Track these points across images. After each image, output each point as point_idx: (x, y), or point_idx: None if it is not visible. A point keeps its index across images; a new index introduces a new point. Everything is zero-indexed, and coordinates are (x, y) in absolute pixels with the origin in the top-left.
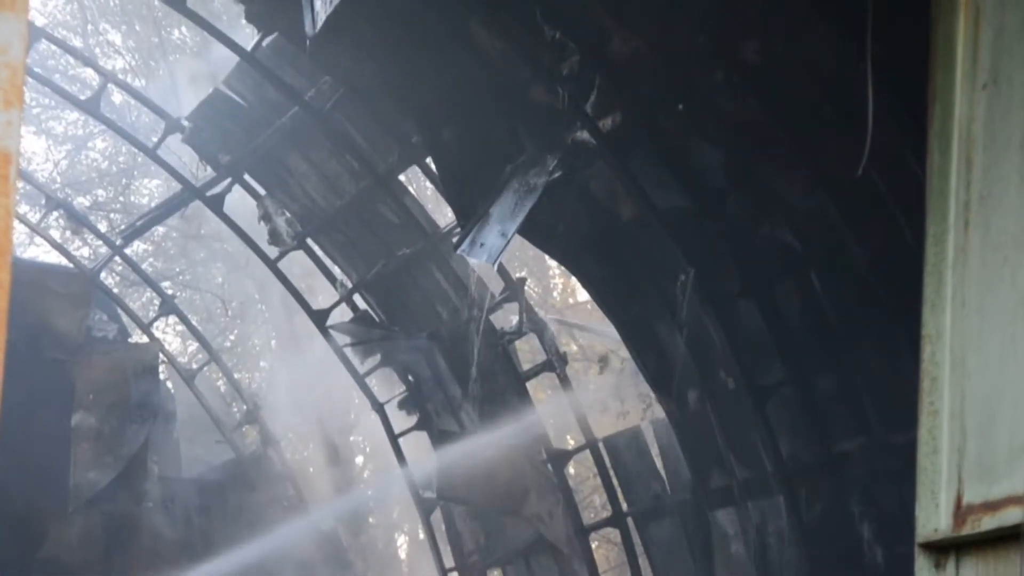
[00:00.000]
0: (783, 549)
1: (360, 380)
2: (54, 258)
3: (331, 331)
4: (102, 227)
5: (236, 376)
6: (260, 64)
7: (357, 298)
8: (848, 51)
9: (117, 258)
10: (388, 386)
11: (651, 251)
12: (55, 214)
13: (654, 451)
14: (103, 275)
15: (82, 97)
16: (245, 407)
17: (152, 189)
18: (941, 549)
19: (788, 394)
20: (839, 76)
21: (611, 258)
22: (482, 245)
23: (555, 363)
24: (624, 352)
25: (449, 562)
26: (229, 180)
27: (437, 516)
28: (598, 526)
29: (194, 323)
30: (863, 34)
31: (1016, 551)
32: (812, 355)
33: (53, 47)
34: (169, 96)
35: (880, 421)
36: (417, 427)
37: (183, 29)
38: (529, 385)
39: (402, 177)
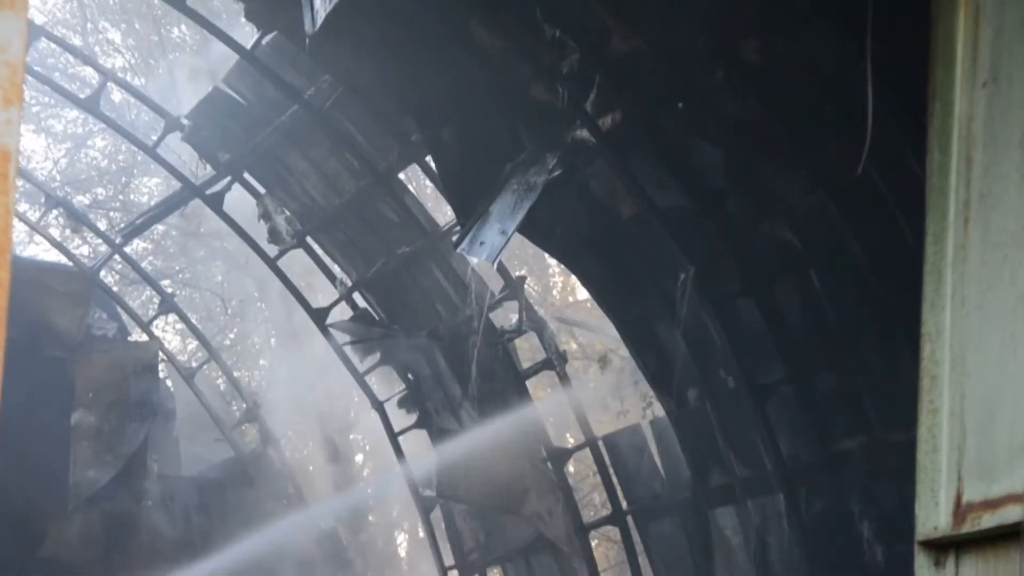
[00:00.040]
0: (783, 548)
1: (360, 378)
2: (54, 256)
3: (331, 329)
4: (102, 225)
5: (236, 374)
6: (260, 62)
7: (357, 296)
8: (848, 51)
9: (117, 256)
10: (388, 384)
11: (651, 250)
12: (55, 212)
13: (654, 449)
14: (103, 273)
15: (82, 95)
16: (245, 405)
17: (152, 187)
18: (941, 547)
19: (788, 393)
20: (839, 76)
21: (611, 257)
22: (482, 243)
23: (555, 361)
24: (624, 351)
25: (449, 560)
26: (229, 178)
27: (437, 514)
28: (598, 524)
29: (194, 321)
30: (863, 34)
31: (1016, 549)
32: (812, 354)
33: (53, 45)
34: (169, 94)
35: (880, 419)
36: (417, 425)
37: (183, 27)
38: (529, 383)
39: (402, 176)
